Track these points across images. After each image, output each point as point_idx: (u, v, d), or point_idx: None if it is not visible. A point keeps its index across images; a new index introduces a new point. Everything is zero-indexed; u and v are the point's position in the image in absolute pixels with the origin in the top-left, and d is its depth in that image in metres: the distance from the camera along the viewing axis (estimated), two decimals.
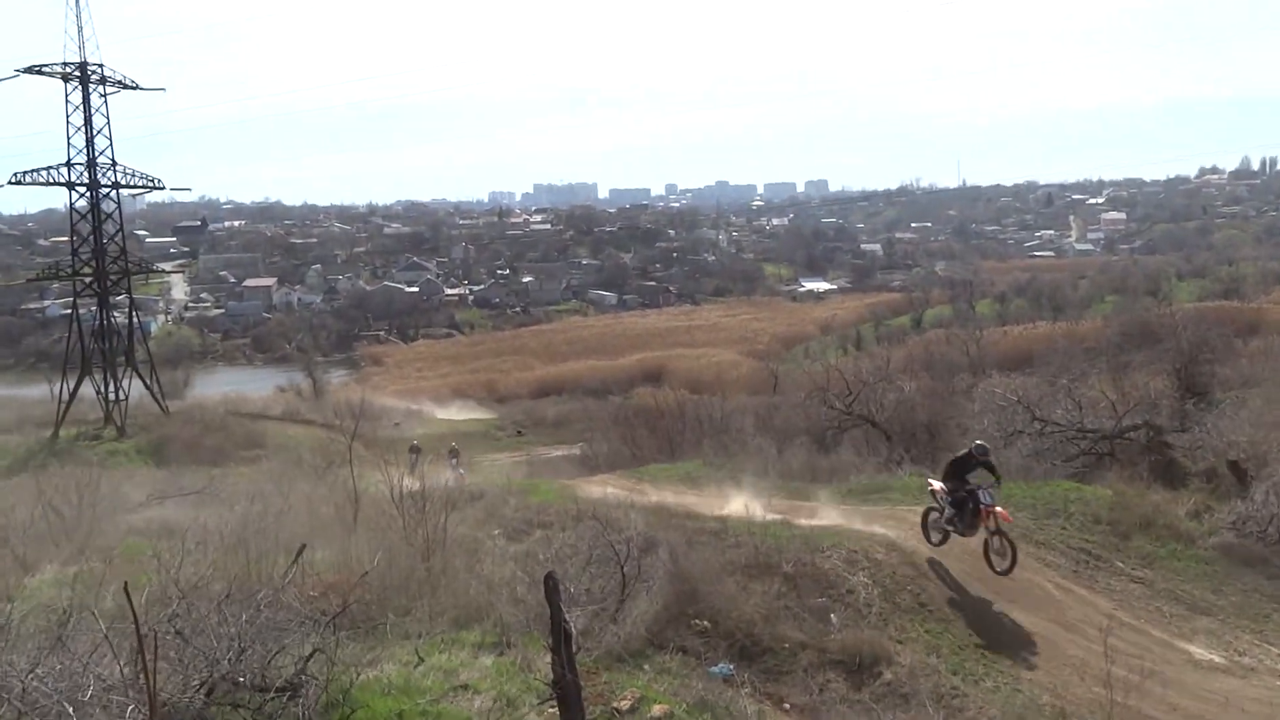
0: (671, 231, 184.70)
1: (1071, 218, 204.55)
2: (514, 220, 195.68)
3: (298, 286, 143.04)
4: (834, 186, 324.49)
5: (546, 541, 17.10)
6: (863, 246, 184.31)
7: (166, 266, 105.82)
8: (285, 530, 16.29)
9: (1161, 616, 15.75)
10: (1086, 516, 18.73)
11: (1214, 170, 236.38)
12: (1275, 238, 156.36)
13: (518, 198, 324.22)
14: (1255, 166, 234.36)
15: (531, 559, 15.64)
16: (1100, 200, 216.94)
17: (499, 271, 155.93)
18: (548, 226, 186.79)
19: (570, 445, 51.20)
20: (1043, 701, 12.83)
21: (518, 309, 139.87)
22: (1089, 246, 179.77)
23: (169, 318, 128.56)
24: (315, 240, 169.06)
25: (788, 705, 12.72)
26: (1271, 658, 14.36)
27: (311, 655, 9.75)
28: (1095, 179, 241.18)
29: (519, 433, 62.01)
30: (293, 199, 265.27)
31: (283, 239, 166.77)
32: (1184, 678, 13.28)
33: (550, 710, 9.94)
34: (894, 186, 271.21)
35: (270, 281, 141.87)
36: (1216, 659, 14.30)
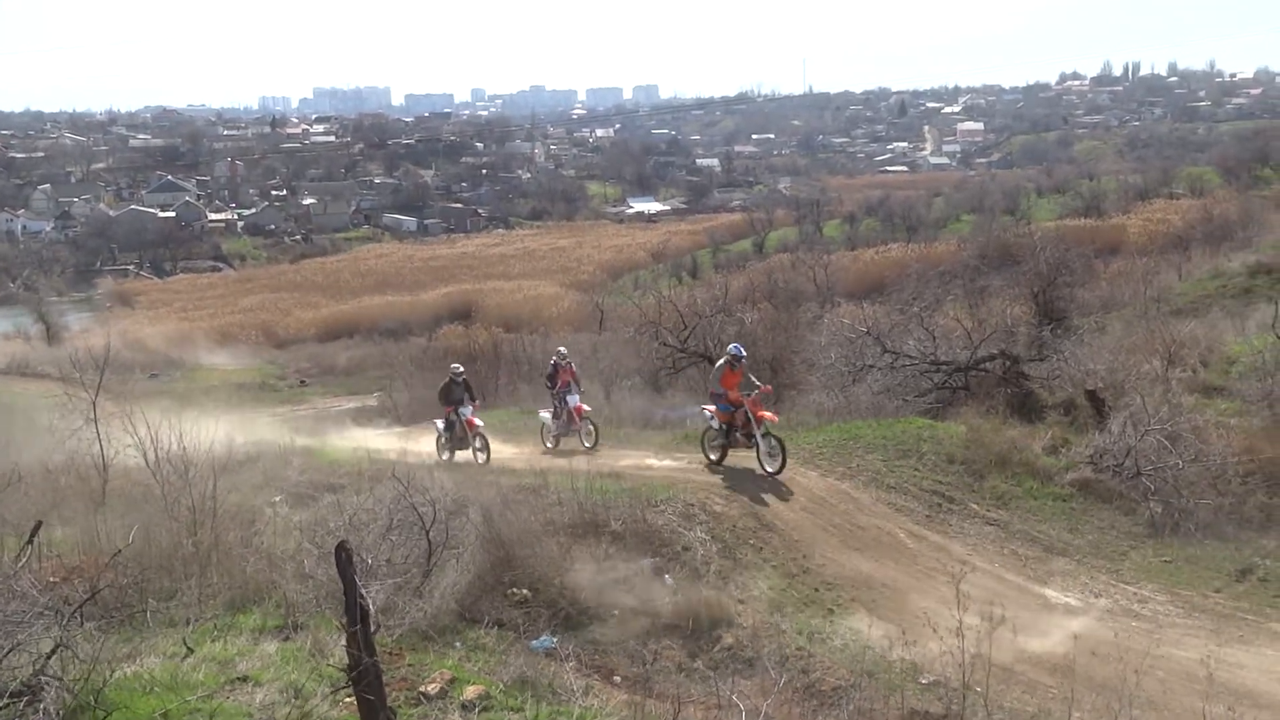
0: (479, 145, 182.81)
1: (926, 128, 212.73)
2: (290, 131, 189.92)
3: (21, 211, 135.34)
4: (665, 93, 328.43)
5: (338, 507, 16.86)
6: (698, 162, 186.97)
7: None
8: (14, 506, 15.56)
9: (1017, 559, 16.84)
10: (940, 456, 19.76)
11: (1075, 76, 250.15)
12: (1137, 150, 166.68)
13: (294, 104, 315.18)
14: (1117, 72, 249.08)
15: (320, 528, 15.40)
16: (956, 109, 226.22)
17: (273, 192, 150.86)
18: (332, 138, 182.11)
19: (365, 395, 50.40)
20: (893, 657, 13.55)
21: (298, 237, 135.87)
22: (944, 160, 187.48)
23: None
24: (42, 154, 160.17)
25: (618, 678, 13.03)
26: (1127, 597, 15.59)
27: (54, 651, 9.41)
28: (951, 85, 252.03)
29: (302, 383, 60.54)
30: (10, 103, 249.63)
31: None
32: (1038, 622, 14.26)
33: (346, 700, 9.90)
34: (733, 93, 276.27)
35: None
36: (1072, 601, 15.42)
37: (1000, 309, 30.12)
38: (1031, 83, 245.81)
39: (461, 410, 23.20)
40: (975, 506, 18.48)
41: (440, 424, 23.87)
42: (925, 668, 13.15)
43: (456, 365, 25.23)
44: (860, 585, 15.69)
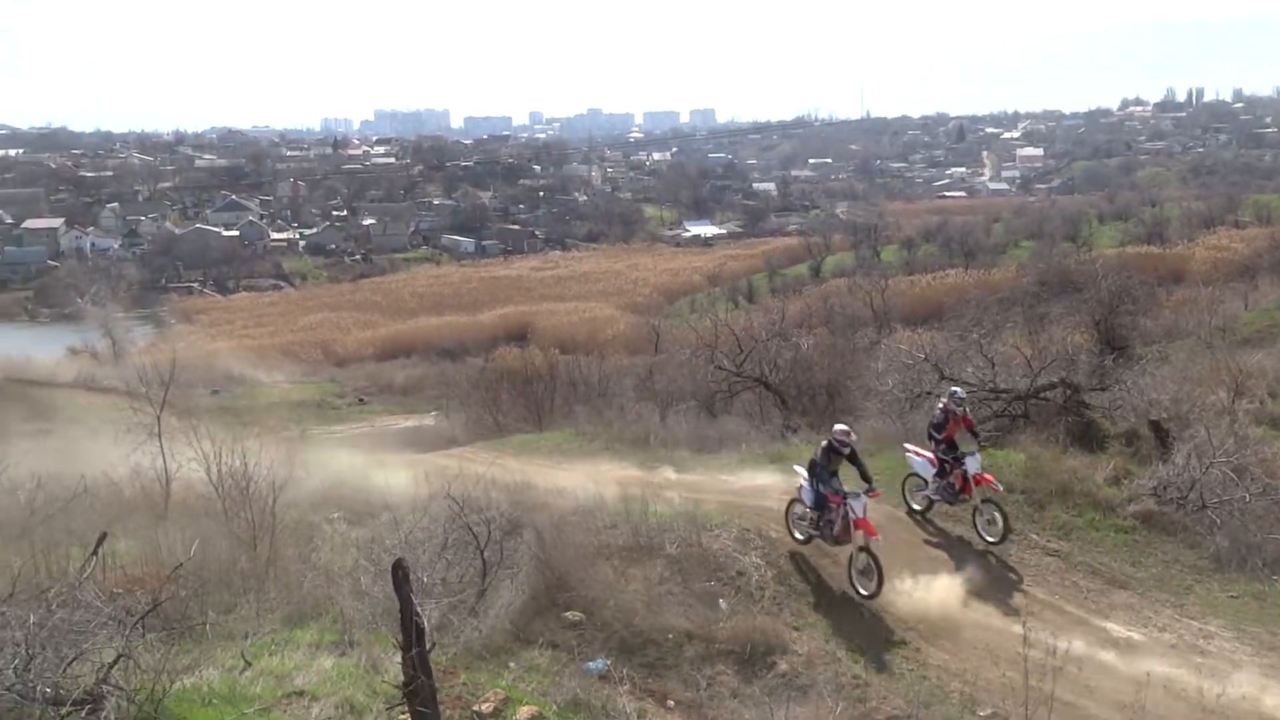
0: (537, 167, 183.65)
1: (985, 154, 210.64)
2: (352, 152, 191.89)
3: (90, 229, 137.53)
4: (722, 116, 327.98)
5: (394, 525, 16.97)
6: (755, 185, 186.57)
7: None
8: (80, 517, 15.80)
9: (1078, 591, 16.54)
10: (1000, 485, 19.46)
11: (1137, 102, 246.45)
12: (1201, 177, 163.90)
13: (356, 125, 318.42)
14: (1181, 98, 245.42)
15: (377, 545, 15.50)
16: (1016, 134, 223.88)
17: (334, 213, 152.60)
18: (392, 160, 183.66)
19: (422, 414, 50.81)
20: (951, 688, 13.37)
21: (357, 257, 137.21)
22: (1004, 186, 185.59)
23: None
24: (111, 173, 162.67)
25: (672, 702, 12.95)
26: (1192, 633, 15.23)
27: (116, 661, 9.51)
28: (1011, 111, 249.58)
29: (361, 401, 61.10)
30: (81, 124, 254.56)
31: (70, 171, 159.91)
32: (1100, 657, 13.99)
33: (401, 716, 9.93)
34: (789, 117, 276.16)
35: (56, 222, 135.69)
36: (1135, 636, 15.09)
37: (1060, 337, 29.63)
38: (1093, 108, 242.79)
39: (852, 501, 16.04)
40: (1035, 537, 18.19)
41: (808, 495, 16.84)
42: (983, 700, 12.96)
43: (842, 426, 17.11)
44: (918, 614, 15.49)
